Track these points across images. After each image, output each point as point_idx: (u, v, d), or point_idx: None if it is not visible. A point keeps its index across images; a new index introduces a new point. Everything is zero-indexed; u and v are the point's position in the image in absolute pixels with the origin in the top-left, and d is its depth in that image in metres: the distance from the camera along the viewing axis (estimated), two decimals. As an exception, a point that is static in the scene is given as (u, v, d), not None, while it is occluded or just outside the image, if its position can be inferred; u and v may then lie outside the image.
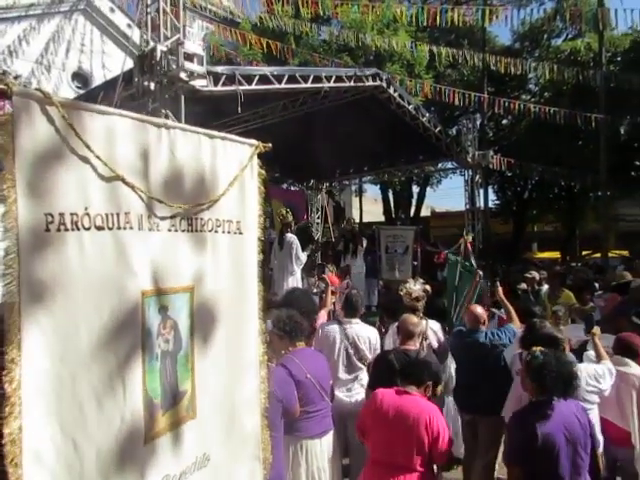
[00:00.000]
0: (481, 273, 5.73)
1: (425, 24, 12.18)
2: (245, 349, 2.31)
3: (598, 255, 16.24)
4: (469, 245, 6.24)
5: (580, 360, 4.50)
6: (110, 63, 15.89)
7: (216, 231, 2.10)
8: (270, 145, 2.29)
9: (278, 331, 3.27)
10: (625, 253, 17.90)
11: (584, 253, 20.37)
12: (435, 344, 4.32)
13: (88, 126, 1.58)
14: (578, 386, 2.83)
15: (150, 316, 1.82)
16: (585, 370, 3.44)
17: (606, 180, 13.91)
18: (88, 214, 1.58)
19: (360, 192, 23.28)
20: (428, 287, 5.05)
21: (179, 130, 1.90)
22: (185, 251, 1.98)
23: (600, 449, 2.96)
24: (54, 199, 1.50)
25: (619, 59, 15.90)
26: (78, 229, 1.56)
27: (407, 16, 13.37)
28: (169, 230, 1.90)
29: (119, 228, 1.68)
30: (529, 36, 18.77)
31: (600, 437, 3.50)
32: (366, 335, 4.13)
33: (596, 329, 3.93)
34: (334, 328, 4.15)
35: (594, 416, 3.41)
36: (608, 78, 13.05)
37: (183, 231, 1.97)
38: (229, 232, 2.16)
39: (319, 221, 13.79)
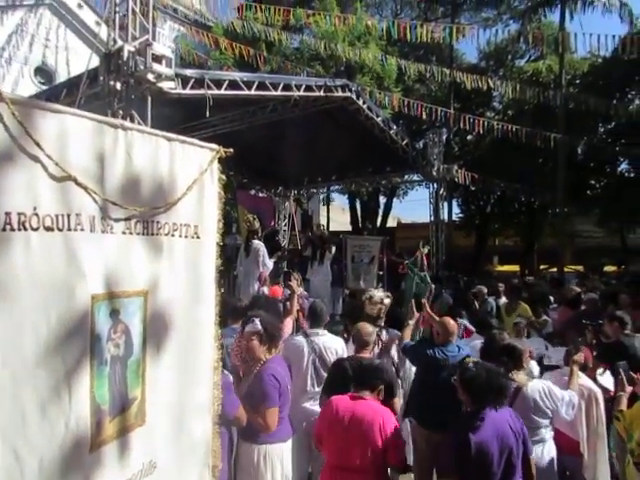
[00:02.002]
0: (432, 288, 5.75)
1: (395, 38, 12.42)
2: (200, 355, 2.28)
3: (555, 269, 16.84)
4: (425, 258, 6.15)
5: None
6: (76, 60, 15.50)
7: (173, 235, 2.08)
8: (231, 150, 2.28)
9: (265, 336, 3.18)
10: (580, 268, 18.63)
11: (542, 267, 21.07)
12: (394, 354, 4.35)
13: (40, 124, 1.54)
14: (507, 396, 2.89)
15: (100, 320, 1.78)
16: (540, 385, 3.46)
17: (563, 197, 14.48)
18: (37, 214, 1.54)
19: (328, 201, 23.43)
20: (389, 296, 5.09)
21: (136, 132, 1.88)
22: (140, 254, 1.95)
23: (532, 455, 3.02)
24: (0, 198, 1.45)
25: (578, 82, 16.65)
26: (25, 229, 1.51)
27: (378, 29, 13.63)
28: (123, 233, 1.87)
29: (69, 229, 1.63)
30: (494, 56, 19.47)
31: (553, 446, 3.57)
32: (334, 347, 4.11)
33: (579, 356, 3.82)
34: (301, 341, 4.10)
35: (547, 432, 3.45)
36: (567, 100, 13.62)
37: (138, 234, 1.93)
38: (186, 236, 2.14)
39: (286, 228, 13.77)
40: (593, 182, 16.98)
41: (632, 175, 16.08)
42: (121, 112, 4.86)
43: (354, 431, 2.86)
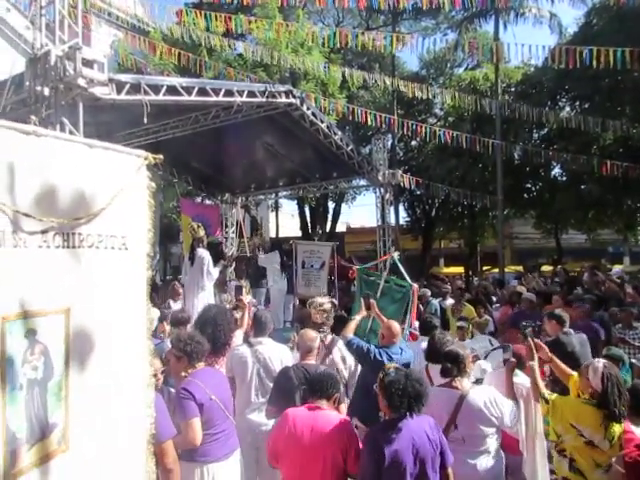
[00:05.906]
0: (416, 287, 5.75)
1: (338, 46, 12.55)
2: (130, 372, 2.17)
3: (496, 270, 17.52)
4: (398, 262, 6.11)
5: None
6: (2, 64, 14.60)
7: (97, 247, 1.96)
8: (161, 157, 2.19)
9: (177, 352, 3.15)
10: (519, 268, 19.49)
11: (485, 268, 21.89)
12: (339, 361, 4.34)
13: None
14: (425, 404, 2.78)
15: (13, 342, 1.65)
16: (485, 393, 3.39)
17: (502, 201, 15.10)
18: None
19: (276, 207, 23.32)
20: (335, 301, 5.07)
21: (52, 138, 1.76)
22: (59, 269, 1.82)
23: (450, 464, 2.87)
24: None
25: (512, 90, 17.47)
26: None
27: (320, 37, 13.72)
28: (40, 247, 1.74)
29: (-27, 245, 1.51)
30: (434, 64, 20.12)
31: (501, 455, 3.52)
32: (278, 356, 4.05)
33: (511, 363, 3.80)
34: (245, 351, 4.03)
35: (493, 441, 3.33)
36: (503, 107, 14.23)
37: (57, 247, 1.81)
38: (112, 248, 2.03)
39: (234, 236, 13.55)
40: (529, 186, 17.77)
41: (564, 179, 16.98)
42: (35, 118, 4.58)
43: (314, 446, 2.77)
